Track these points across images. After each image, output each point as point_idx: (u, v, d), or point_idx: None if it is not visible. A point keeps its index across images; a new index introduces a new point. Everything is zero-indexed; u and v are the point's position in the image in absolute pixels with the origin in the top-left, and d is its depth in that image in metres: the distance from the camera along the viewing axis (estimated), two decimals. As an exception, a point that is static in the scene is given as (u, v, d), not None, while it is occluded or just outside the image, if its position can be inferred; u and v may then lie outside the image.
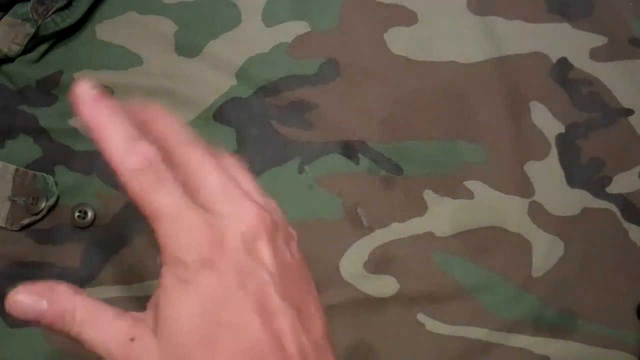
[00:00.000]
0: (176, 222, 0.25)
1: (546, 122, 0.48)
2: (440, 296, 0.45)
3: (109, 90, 0.47)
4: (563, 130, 0.48)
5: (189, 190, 0.26)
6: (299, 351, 0.25)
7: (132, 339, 0.25)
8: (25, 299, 0.25)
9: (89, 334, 0.25)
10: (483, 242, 0.46)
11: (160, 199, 0.25)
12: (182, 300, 0.24)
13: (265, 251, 0.26)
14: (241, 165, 0.29)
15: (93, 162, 0.46)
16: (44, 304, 0.25)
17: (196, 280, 0.24)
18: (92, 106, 0.25)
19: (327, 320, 0.28)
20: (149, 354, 0.25)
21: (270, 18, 0.48)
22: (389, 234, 0.46)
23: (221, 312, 0.24)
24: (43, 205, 0.45)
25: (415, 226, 0.46)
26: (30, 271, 0.45)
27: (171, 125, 0.28)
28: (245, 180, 0.29)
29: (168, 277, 0.25)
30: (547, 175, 0.47)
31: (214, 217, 0.25)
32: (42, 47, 0.47)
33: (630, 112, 0.48)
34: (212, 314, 0.24)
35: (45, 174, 0.46)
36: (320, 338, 0.27)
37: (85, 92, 0.25)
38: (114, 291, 0.45)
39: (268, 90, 0.47)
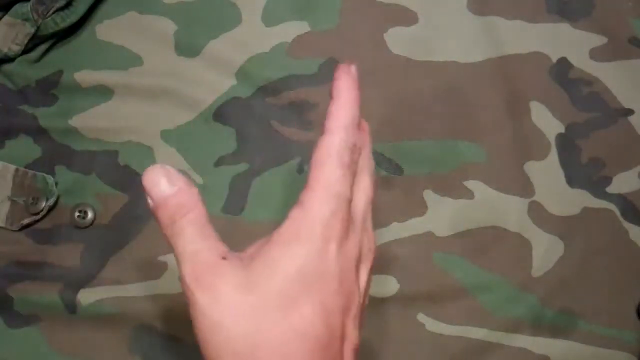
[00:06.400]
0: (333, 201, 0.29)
1: (546, 122, 0.48)
2: (440, 296, 0.45)
3: (109, 90, 0.47)
4: (563, 130, 0.48)
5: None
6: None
7: (224, 258, 0.27)
8: (160, 175, 0.28)
9: (187, 238, 0.27)
10: (483, 242, 0.46)
11: (334, 186, 0.29)
12: (295, 256, 0.26)
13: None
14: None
15: (93, 162, 0.46)
16: (174, 188, 0.27)
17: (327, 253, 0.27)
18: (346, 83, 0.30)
19: None
20: (231, 276, 0.26)
21: (270, 18, 0.48)
22: (389, 234, 0.46)
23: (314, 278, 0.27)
24: (43, 205, 0.45)
25: (415, 226, 0.46)
26: (30, 271, 0.45)
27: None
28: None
29: (304, 231, 0.27)
30: (547, 175, 0.47)
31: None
32: (42, 47, 0.47)
33: (630, 112, 0.48)
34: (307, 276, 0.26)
35: (45, 174, 0.46)
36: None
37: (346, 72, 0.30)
38: (114, 291, 0.44)
39: (268, 90, 0.47)
